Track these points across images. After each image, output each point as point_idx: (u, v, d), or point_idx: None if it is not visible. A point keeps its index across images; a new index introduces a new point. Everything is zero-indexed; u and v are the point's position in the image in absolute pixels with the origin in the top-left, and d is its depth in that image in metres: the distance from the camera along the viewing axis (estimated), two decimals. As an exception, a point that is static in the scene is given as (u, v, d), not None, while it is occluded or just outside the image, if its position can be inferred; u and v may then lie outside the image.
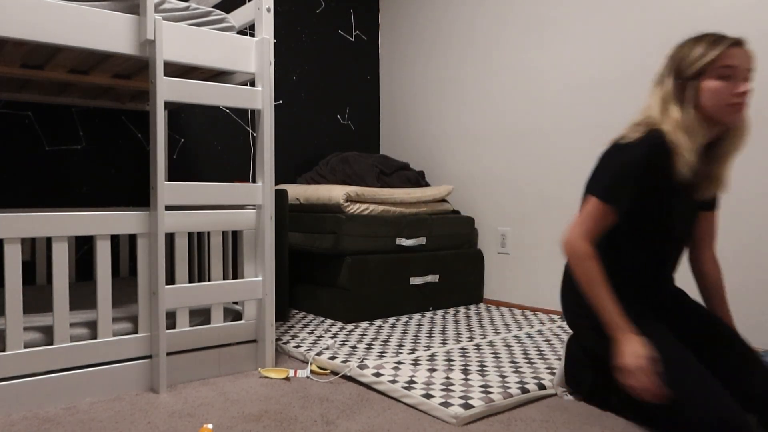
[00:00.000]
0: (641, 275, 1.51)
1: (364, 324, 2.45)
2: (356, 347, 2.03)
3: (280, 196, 2.44)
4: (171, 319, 1.74)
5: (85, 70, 2.08)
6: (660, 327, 1.41)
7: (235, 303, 2.08)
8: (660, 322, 1.46)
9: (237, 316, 1.90)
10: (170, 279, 2.51)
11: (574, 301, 1.53)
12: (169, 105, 2.56)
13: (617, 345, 1.36)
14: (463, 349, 2.02)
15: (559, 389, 1.65)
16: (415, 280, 2.67)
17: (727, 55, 1.33)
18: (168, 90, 1.65)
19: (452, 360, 1.88)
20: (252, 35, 3.02)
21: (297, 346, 2.03)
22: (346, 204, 2.55)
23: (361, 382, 1.73)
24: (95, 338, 1.61)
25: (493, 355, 1.94)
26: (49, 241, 2.40)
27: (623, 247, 1.48)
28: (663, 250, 1.49)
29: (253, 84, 2.82)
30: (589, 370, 1.57)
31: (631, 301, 1.47)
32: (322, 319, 2.54)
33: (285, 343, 2.08)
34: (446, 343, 2.11)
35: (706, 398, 1.24)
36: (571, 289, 1.55)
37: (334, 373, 1.83)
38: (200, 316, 1.82)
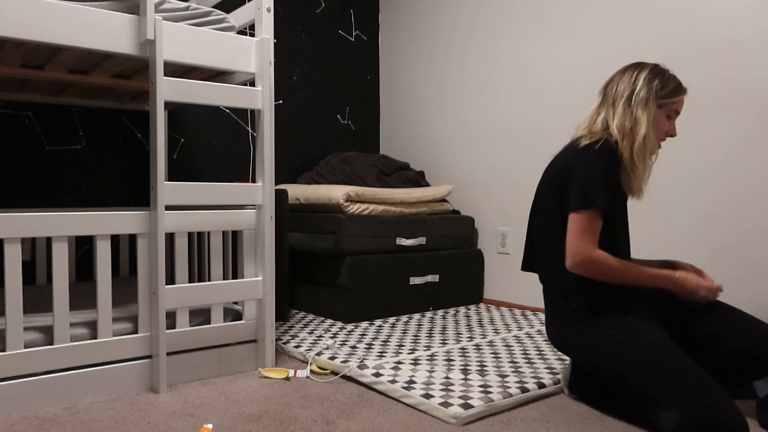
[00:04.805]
0: None
1: (364, 324, 2.45)
2: (356, 347, 2.03)
3: (280, 196, 2.44)
4: (171, 319, 1.74)
5: (85, 70, 2.08)
6: (658, 329, 1.43)
7: (235, 303, 2.08)
8: (653, 315, 1.53)
9: (237, 316, 1.90)
10: (170, 279, 2.51)
11: (564, 327, 1.54)
12: (169, 105, 2.56)
13: (677, 288, 1.48)
14: (462, 349, 2.02)
15: (566, 389, 1.65)
16: (415, 280, 2.67)
17: (681, 101, 1.55)
18: (168, 90, 1.65)
19: (452, 360, 1.88)
20: (252, 35, 3.02)
21: (297, 346, 2.03)
22: (346, 204, 2.55)
23: (361, 382, 1.73)
24: (95, 338, 1.61)
25: (493, 355, 1.94)
26: (49, 241, 2.40)
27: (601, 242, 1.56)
28: (624, 239, 1.60)
29: (253, 84, 2.82)
30: (595, 381, 1.57)
31: (620, 295, 1.51)
32: (322, 319, 2.54)
33: (285, 343, 2.08)
34: (446, 343, 2.11)
35: (708, 402, 1.25)
36: (556, 318, 1.57)
37: (334, 373, 1.83)
38: (200, 316, 1.82)
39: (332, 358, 1.89)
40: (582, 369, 1.60)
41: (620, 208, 1.56)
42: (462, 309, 2.79)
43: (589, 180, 1.44)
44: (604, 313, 1.48)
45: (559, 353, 1.97)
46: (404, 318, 2.58)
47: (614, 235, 1.54)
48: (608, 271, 1.43)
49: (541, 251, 1.60)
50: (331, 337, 2.18)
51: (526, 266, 1.68)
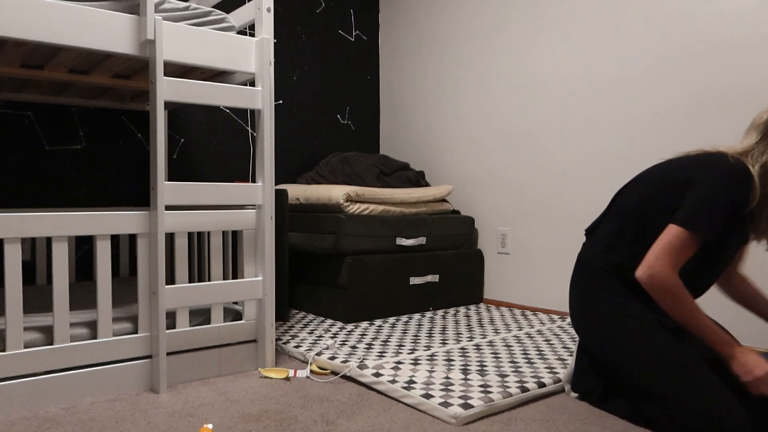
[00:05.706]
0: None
1: (364, 324, 2.45)
2: (356, 347, 2.03)
3: (280, 196, 2.44)
4: (171, 319, 1.74)
5: (85, 70, 2.08)
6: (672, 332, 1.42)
7: (235, 303, 2.08)
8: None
9: (237, 316, 1.90)
10: (170, 279, 2.51)
11: (586, 312, 1.53)
12: (169, 105, 2.56)
13: (734, 361, 1.34)
14: (462, 349, 2.02)
15: (567, 386, 1.65)
16: (415, 280, 2.67)
17: None
18: (168, 90, 1.65)
19: (452, 360, 1.88)
20: (252, 35, 3.02)
21: (297, 346, 2.03)
22: (346, 204, 2.55)
23: (361, 382, 1.73)
24: (95, 338, 1.61)
25: (493, 355, 1.94)
26: (49, 241, 2.40)
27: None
28: (707, 273, 1.48)
29: (253, 84, 2.82)
30: (598, 379, 1.57)
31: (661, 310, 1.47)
32: (322, 319, 2.54)
33: (285, 343, 2.08)
34: (446, 343, 2.11)
35: (711, 401, 1.25)
36: (581, 301, 1.55)
37: (334, 373, 1.83)
38: (200, 316, 1.82)
39: (332, 358, 1.89)
40: (584, 368, 1.60)
41: (730, 243, 1.43)
42: (462, 309, 2.79)
43: (708, 202, 1.33)
44: (626, 298, 1.46)
45: (559, 353, 1.97)
46: (404, 318, 2.58)
47: (703, 265, 1.44)
48: (673, 301, 1.33)
49: (622, 232, 1.51)
50: (331, 337, 2.18)
51: (589, 231, 1.63)
